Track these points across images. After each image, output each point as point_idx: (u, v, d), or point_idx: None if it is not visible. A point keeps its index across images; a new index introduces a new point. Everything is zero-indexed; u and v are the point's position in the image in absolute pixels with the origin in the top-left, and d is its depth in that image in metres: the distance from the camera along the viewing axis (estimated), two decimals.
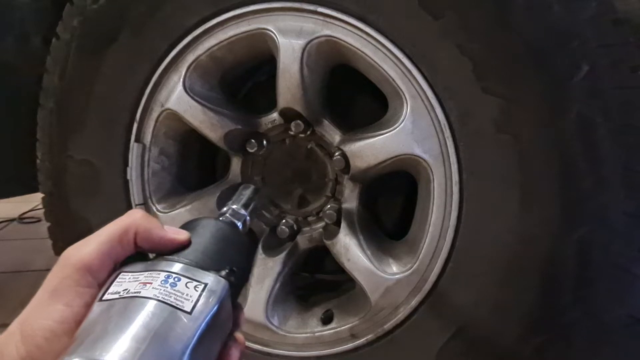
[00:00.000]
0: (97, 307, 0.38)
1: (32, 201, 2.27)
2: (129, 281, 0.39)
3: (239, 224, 0.52)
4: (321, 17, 0.85)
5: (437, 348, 0.87)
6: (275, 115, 0.94)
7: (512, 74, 0.77)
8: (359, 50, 0.84)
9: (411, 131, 0.83)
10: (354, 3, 0.83)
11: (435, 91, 0.81)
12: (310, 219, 0.99)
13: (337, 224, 0.92)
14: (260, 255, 0.97)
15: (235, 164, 0.99)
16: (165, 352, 0.34)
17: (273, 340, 0.97)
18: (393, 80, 0.84)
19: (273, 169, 0.98)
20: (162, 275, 0.39)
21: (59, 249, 1.07)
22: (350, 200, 0.93)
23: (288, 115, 0.92)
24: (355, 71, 0.91)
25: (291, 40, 0.86)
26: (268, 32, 0.88)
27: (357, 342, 0.92)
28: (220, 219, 0.52)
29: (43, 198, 1.06)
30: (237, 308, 0.45)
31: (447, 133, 0.82)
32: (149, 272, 0.40)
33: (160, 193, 1.01)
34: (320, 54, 0.87)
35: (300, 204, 0.97)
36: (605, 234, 0.77)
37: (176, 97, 0.94)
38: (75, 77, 0.98)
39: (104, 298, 0.38)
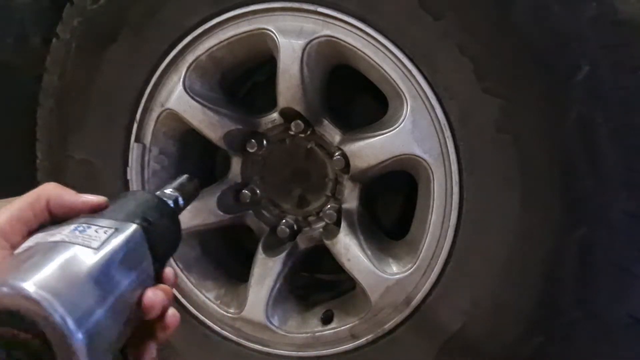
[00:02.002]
0: (8, 258, 0.38)
1: None
2: (40, 237, 0.40)
3: (170, 202, 0.52)
4: (321, 17, 0.85)
5: (437, 348, 0.87)
6: (275, 115, 0.94)
7: (512, 74, 0.77)
8: (359, 50, 0.84)
9: (411, 131, 0.83)
10: (354, 3, 0.83)
11: (435, 91, 0.81)
12: (310, 219, 0.99)
13: (337, 224, 0.92)
14: (260, 255, 0.97)
15: (235, 163, 0.99)
16: (69, 278, 0.34)
17: (273, 340, 0.97)
18: (393, 80, 0.84)
19: (273, 169, 0.98)
20: (72, 226, 0.40)
21: None
22: (351, 200, 0.93)
23: (288, 115, 0.92)
24: (356, 71, 0.91)
25: (291, 40, 0.86)
26: (268, 32, 0.88)
27: (357, 342, 0.92)
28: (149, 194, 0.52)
29: None
30: (161, 265, 0.45)
31: (447, 133, 0.82)
32: (60, 227, 0.40)
33: None
34: (320, 54, 0.87)
35: (300, 203, 0.97)
36: (606, 234, 0.77)
37: (176, 97, 0.94)
38: (75, 77, 0.98)
39: (15, 252, 0.39)
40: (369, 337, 0.92)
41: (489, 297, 0.83)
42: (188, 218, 0.97)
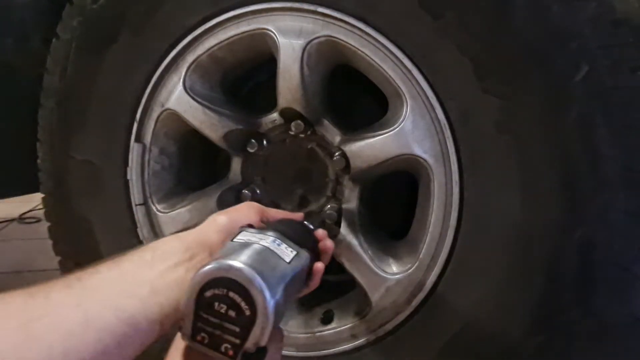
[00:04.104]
0: (228, 244, 0.55)
1: (32, 201, 2.28)
2: (249, 235, 0.57)
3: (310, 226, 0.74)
4: (321, 17, 0.85)
5: (438, 348, 0.87)
6: (275, 115, 0.94)
7: (512, 74, 0.77)
8: (359, 50, 0.84)
9: (411, 131, 0.83)
10: (354, 3, 0.83)
11: (435, 91, 0.81)
12: (310, 218, 0.99)
13: (338, 223, 0.93)
14: None
15: (236, 164, 0.99)
16: (272, 276, 0.50)
17: None
18: (393, 80, 0.84)
19: (273, 169, 0.98)
20: (272, 237, 0.58)
21: (59, 249, 1.07)
22: (351, 200, 0.93)
23: (288, 115, 0.92)
24: (356, 71, 0.91)
25: (291, 40, 0.86)
26: (268, 32, 0.88)
27: (358, 342, 0.93)
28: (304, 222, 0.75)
29: (44, 198, 1.06)
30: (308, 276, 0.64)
31: (447, 133, 0.82)
32: (263, 234, 0.58)
33: (161, 193, 1.01)
34: (321, 54, 0.87)
35: (300, 204, 0.97)
36: (606, 234, 0.77)
37: (176, 97, 0.94)
38: (76, 77, 0.98)
39: (233, 240, 0.56)
40: (370, 337, 0.92)
41: (490, 297, 0.83)
42: (188, 219, 0.98)
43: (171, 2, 0.91)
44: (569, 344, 0.81)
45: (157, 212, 1.00)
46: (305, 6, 0.86)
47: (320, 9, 0.85)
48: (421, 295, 0.87)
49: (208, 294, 0.47)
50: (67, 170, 1.02)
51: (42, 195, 1.06)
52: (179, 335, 0.52)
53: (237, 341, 0.47)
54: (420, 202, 0.90)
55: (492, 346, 0.85)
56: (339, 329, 0.94)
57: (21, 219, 2.62)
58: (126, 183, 0.99)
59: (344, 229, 0.91)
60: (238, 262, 0.48)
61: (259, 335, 0.47)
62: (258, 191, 0.99)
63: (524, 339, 0.83)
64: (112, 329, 0.47)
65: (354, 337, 0.93)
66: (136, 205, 1.00)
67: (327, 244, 0.71)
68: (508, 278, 0.82)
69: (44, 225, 1.08)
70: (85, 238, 1.03)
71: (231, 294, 0.47)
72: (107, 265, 0.53)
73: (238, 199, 0.99)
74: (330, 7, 0.84)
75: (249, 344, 0.47)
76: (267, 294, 0.47)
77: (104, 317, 0.48)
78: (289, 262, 0.55)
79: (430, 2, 0.79)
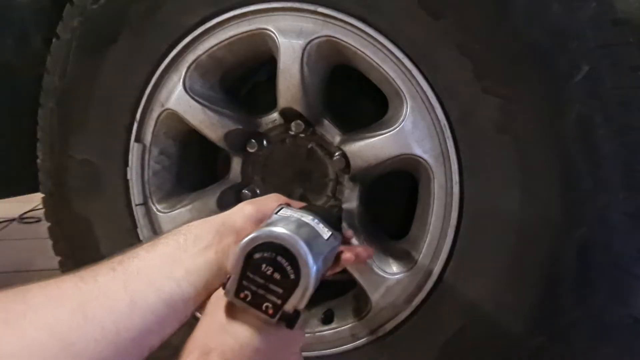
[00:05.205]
0: (274, 216, 0.60)
1: (32, 201, 2.27)
2: (291, 212, 0.62)
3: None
4: (321, 17, 0.85)
5: (437, 348, 0.87)
6: (275, 115, 0.94)
7: (512, 74, 0.77)
8: (359, 50, 0.84)
9: (411, 131, 0.83)
10: (354, 3, 0.83)
11: (435, 91, 0.81)
12: None
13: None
14: None
15: (236, 163, 0.99)
16: (315, 247, 0.54)
17: None
18: (393, 80, 0.84)
19: (273, 169, 0.98)
20: (311, 216, 0.62)
21: (59, 249, 1.07)
22: (351, 200, 0.93)
23: (288, 115, 0.92)
24: (356, 71, 0.91)
25: (291, 40, 0.86)
26: (268, 32, 0.88)
27: (358, 342, 0.93)
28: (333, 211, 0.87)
29: (43, 198, 1.06)
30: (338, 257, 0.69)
31: (447, 133, 0.82)
32: (302, 212, 0.62)
33: (161, 193, 1.01)
34: (320, 54, 0.87)
35: None
36: (606, 234, 0.77)
37: (176, 97, 0.94)
38: (76, 77, 0.98)
39: (277, 213, 0.61)
40: (370, 337, 0.92)
41: (489, 297, 0.83)
42: (188, 219, 0.97)
43: (171, 2, 0.91)
44: (568, 345, 0.81)
45: (157, 212, 1.00)
46: (305, 6, 0.86)
47: (320, 9, 0.85)
48: (421, 295, 0.87)
49: (257, 255, 0.51)
50: (67, 170, 1.02)
51: (42, 195, 1.06)
52: (216, 293, 0.56)
53: (279, 302, 0.51)
54: (421, 202, 0.90)
55: (492, 346, 0.85)
56: (339, 328, 0.94)
57: (21, 219, 2.62)
58: (126, 183, 0.99)
59: (343, 229, 0.91)
60: (288, 231, 0.52)
61: (299, 298, 0.52)
62: (258, 191, 0.99)
63: (523, 340, 0.83)
64: (154, 309, 0.52)
65: (353, 337, 0.93)
66: (136, 205, 1.00)
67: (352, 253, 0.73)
68: (508, 278, 0.82)
69: (44, 225, 1.08)
70: (85, 238, 1.03)
71: (279, 258, 0.51)
72: (144, 248, 0.57)
73: (238, 199, 0.99)
74: (330, 7, 0.84)
75: (289, 306, 0.52)
76: (311, 261, 0.51)
77: (148, 298, 0.52)
78: (327, 240, 0.61)
79: (430, 2, 0.79)
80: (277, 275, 0.51)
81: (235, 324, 0.52)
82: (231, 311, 0.53)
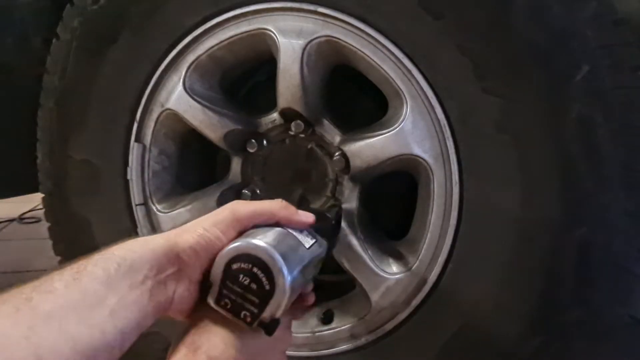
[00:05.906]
0: (251, 229, 0.59)
1: (32, 201, 2.28)
2: (268, 227, 0.61)
3: (333, 221, 0.82)
4: (321, 17, 0.85)
5: (437, 348, 0.87)
6: (275, 115, 0.94)
7: (512, 74, 0.77)
8: (359, 50, 0.84)
9: (411, 131, 0.83)
10: (354, 3, 0.83)
11: (435, 91, 0.81)
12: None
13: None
14: None
15: (236, 164, 0.99)
16: (292, 258, 0.55)
17: None
18: (393, 80, 0.84)
19: (273, 169, 0.98)
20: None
21: (59, 249, 1.07)
22: (351, 200, 0.93)
23: (288, 115, 0.92)
24: (355, 71, 0.91)
25: (291, 40, 0.86)
26: (268, 32, 0.88)
27: (358, 342, 0.92)
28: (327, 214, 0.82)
29: (43, 198, 1.06)
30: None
31: (447, 133, 0.82)
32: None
33: (161, 193, 1.01)
34: (320, 54, 0.87)
35: (300, 204, 0.97)
36: (606, 234, 0.77)
37: (176, 97, 0.94)
38: (76, 77, 0.98)
39: (258, 229, 0.60)
40: (369, 337, 0.92)
41: (489, 297, 0.83)
42: (187, 219, 0.97)
43: (171, 2, 0.91)
44: (568, 345, 0.81)
45: (157, 212, 1.00)
46: (305, 6, 0.86)
47: (321, 9, 0.85)
48: (421, 295, 0.87)
49: (235, 266, 0.53)
50: (66, 170, 1.02)
51: (42, 195, 1.06)
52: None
53: (256, 311, 0.53)
54: (420, 202, 0.90)
55: (492, 346, 0.85)
56: (338, 328, 0.94)
57: (21, 219, 2.63)
58: (126, 183, 0.99)
59: (343, 229, 0.91)
60: (264, 243, 0.54)
61: (275, 307, 0.53)
62: (258, 191, 0.99)
63: (523, 339, 0.83)
64: None
65: (353, 337, 0.93)
66: (136, 205, 1.00)
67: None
68: (507, 278, 0.82)
69: (44, 225, 1.08)
70: (85, 238, 1.03)
71: (255, 269, 0.53)
72: (65, 279, 0.47)
73: (238, 199, 0.99)
74: (330, 7, 0.84)
75: (266, 315, 0.53)
76: (286, 273, 0.53)
77: (59, 351, 0.42)
78: (308, 248, 0.62)
79: (430, 2, 0.79)
80: (253, 286, 0.53)
81: (221, 324, 0.53)
82: (217, 312, 0.54)
